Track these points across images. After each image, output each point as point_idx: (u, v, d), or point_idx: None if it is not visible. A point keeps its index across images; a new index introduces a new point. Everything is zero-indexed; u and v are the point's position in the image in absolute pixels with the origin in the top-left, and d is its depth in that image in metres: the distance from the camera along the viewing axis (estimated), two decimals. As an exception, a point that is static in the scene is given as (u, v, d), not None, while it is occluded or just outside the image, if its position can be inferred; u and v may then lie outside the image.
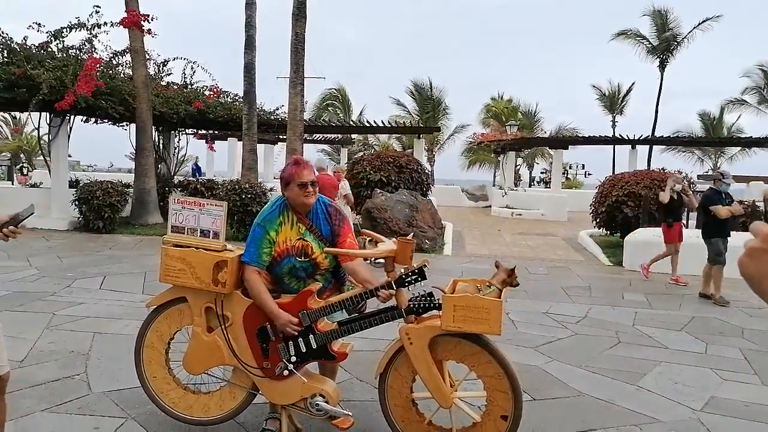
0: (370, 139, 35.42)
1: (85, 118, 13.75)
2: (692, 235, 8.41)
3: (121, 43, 20.24)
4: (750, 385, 4.38)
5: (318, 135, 25.77)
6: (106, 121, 14.44)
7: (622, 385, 4.24)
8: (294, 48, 12.22)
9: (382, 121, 18.76)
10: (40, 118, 12.58)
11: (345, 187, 9.12)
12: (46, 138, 12.93)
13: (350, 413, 3.03)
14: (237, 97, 15.72)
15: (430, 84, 35.47)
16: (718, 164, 34.46)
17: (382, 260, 2.88)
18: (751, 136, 23.58)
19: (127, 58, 13.32)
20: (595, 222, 12.34)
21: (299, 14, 12.13)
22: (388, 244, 2.93)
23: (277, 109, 16.44)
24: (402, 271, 2.82)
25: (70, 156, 15.89)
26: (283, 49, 12.85)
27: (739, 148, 31.92)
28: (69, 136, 12.64)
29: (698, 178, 18.17)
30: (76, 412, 3.43)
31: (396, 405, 2.99)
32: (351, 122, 25.16)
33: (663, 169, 12.89)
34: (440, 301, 2.77)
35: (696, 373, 4.60)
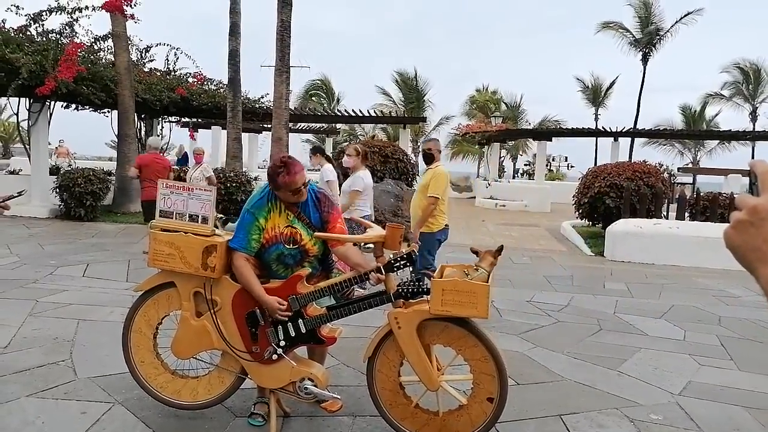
0: (357, 130, 35.38)
1: (65, 104, 13.50)
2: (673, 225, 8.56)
3: (103, 27, 19.90)
4: (726, 370, 4.51)
5: (303, 124, 25.66)
6: (87, 107, 14.19)
7: (604, 371, 4.34)
8: (279, 35, 12.10)
9: (368, 111, 18.70)
10: (19, 104, 12.35)
11: (207, 168, 9.24)
12: (25, 124, 12.69)
13: (338, 396, 3.07)
14: (221, 85, 15.53)
15: (416, 74, 35.50)
16: (698, 158, 35.05)
17: (371, 245, 2.91)
18: (730, 130, 23.97)
19: (109, 43, 13.09)
20: (577, 213, 12.48)
21: (285, 1, 12.01)
22: (377, 230, 2.96)
23: (262, 97, 16.30)
24: (391, 256, 2.85)
25: (50, 144, 15.60)
26: (268, 37, 12.70)
27: (718, 141, 32.46)
28: (49, 123, 12.42)
29: (678, 171, 18.44)
30: (62, 397, 3.42)
31: (383, 388, 3.03)
32: (337, 111, 25.02)
33: (644, 161, 13.05)
34: (428, 286, 2.81)
35: (675, 358, 4.72)
